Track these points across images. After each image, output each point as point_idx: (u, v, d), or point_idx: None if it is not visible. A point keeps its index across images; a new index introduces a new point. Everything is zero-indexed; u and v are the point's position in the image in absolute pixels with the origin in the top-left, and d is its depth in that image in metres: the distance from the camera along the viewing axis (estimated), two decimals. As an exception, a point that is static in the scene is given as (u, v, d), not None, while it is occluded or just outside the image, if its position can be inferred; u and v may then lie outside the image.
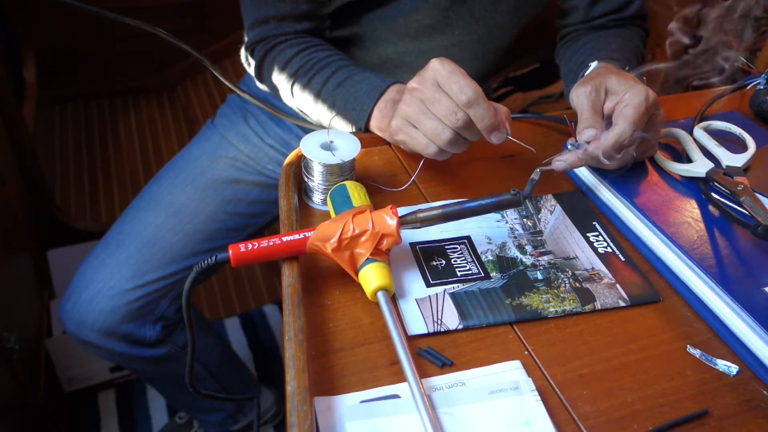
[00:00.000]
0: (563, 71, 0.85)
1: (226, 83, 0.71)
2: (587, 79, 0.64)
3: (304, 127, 0.97)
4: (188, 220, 0.90)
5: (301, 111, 0.79)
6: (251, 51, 0.81)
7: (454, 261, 0.55)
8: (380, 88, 0.68)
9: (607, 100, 0.61)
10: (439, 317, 0.49)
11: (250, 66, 0.83)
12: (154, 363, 0.95)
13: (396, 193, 0.64)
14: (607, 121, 0.61)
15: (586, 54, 0.79)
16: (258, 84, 0.85)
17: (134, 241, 0.88)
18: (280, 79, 0.78)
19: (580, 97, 0.61)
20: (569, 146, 0.61)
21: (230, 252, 0.48)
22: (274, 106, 0.98)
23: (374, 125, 0.69)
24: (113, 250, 0.88)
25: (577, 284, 0.54)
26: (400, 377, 0.44)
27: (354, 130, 0.71)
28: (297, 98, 0.77)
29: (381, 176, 0.66)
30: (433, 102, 0.56)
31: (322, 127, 0.84)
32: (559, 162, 0.60)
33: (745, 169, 0.65)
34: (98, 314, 0.86)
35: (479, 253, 0.56)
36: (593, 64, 0.72)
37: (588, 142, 0.59)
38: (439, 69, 0.56)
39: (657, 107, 0.61)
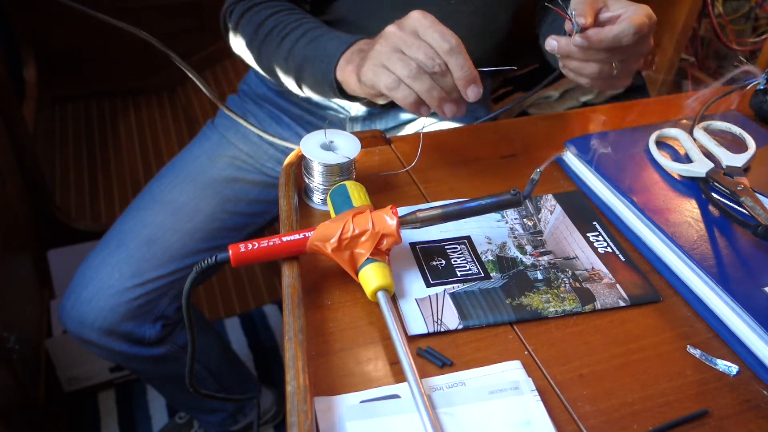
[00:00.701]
0: (541, 28, 0.84)
1: (209, 95, 0.71)
2: None
3: (304, 128, 0.97)
4: (188, 218, 0.90)
5: (273, 70, 0.78)
6: (230, 12, 0.82)
7: (454, 261, 0.55)
8: (349, 41, 0.66)
9: (605, 10, 0.59)
10: (439, 317, 0.49)
11: (228, 31, 0.84)
12: (153, 363, 0.95)
13: (396, 192, 0.64)
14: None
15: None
16: (233, 47, 0.86)
17: (134, 239, 0.88)
18: (254, 38, 0.78)
19: None
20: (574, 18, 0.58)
21: (230, 252, 0.48)
22: (274, 104, 0.98)
23: (340, 75, 0.66)
24: (113, 249, 0.88)
25: (577, 284, 0.54)
26: (400, 377, 0.44)
27: (327, 89, 0.69)
28: (270, 58, 0.77)
29: (381, 176, 0.66)
30: (410, 46, 0.54)
31: (317, 122, 0.83)
32: (552, 41, 0.60)
33: (745, 169, 0.65)
34: (98, 312, 0.86)
35: (479, 253, 0.56)
36: None
37: (584, 30, 0.57)
38: (420, 18, 0.55)
39: (653, 31, 0.60)
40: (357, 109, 0.91)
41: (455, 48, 0.53)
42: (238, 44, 0.84)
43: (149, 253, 0.88)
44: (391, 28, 0.57)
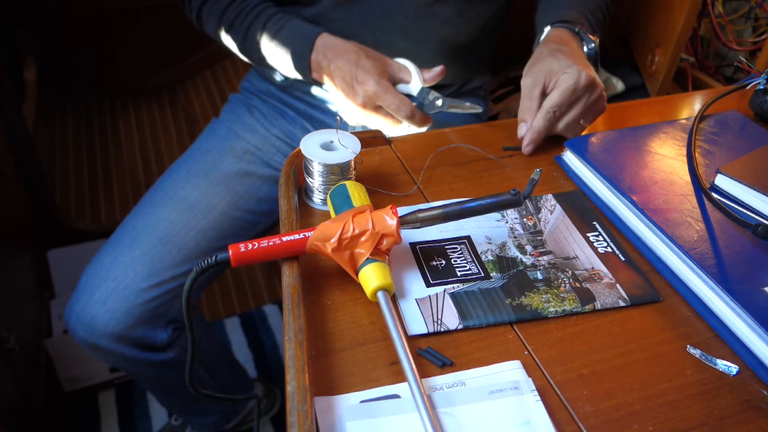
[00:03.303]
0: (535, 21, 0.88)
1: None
2: (534, 61, 0.73)
3: (308, 122, 0.97)
4: (202, 215, 0.88)
5: (248, 55, 0.87)
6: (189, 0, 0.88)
7: (454, 261, 0.55)
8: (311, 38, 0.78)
9: (549, 81, 0.70)
10: (439, 317, 0.49)
11: (190, 14, 0.90)
12: (158, 367, 0.93)
13: (396, 192, 0.64)
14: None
15: (549, 9, 0.83)
16: (199, 27, 0.91)
17: (148, 237, 0.85)
18: (219, 28, 0.86)
19: (523, 89, 0.72)
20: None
21: (230, 252, 0.48)
22: (278, 100, 0.99)
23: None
24: (126, 247, 0.85)
25: (577, 284, 0.53)
26: (400, 377, 0.44)
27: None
28: (241, 47, 0.85)
29: (381, 176, 0.66)
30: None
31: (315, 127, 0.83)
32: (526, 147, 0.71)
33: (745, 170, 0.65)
34: (112, 315, 0.82)
35: (479, 253, 0.56)
36: (546, 29, 0.78)
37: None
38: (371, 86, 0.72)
39: (589, 88, 0.68)
40: None
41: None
42: (202, 30, 0.90)
43: (164, 251, 0.85)
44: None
